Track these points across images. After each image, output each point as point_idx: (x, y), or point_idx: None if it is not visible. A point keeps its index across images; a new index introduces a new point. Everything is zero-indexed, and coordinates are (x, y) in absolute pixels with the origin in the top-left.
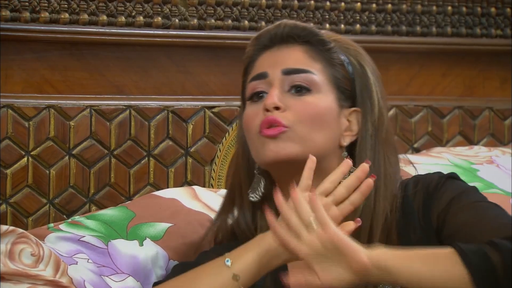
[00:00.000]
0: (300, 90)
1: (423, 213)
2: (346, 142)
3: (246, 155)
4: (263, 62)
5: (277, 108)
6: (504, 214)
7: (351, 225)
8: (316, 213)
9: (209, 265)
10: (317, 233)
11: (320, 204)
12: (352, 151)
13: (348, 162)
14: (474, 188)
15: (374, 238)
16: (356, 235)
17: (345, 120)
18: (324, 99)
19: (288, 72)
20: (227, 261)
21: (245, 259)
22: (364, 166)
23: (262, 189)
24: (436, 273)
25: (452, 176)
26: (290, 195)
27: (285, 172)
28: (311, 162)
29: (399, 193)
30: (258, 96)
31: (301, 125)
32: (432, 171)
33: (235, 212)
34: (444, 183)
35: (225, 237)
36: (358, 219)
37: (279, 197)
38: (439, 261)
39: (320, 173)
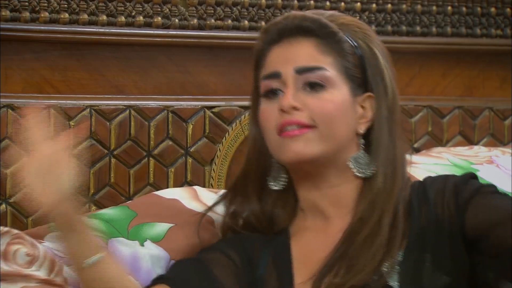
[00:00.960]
0: (315, 86)
1: (443, 206)
2: (362, 129)
3: (258, 147)
4: (274, 59)
5: (294, 108)
6: None
7: None
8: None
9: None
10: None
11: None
12: (368, 136)
13: None
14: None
15: (387, 214)
16: (369, 211)
17: (359, 108)
18: (339, 93)
19: (301, 70)
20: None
21: (77, 249)
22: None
23: (284, 178)
24: None
25: (476, 176)
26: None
27: (304, 171)
28: None
29: (415, 182)
30: (273, 93)
31: (324, 124)
32: (432, 171)
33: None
34: (470, 180)
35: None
36: None
37: None
38: None
39: (337, 165)
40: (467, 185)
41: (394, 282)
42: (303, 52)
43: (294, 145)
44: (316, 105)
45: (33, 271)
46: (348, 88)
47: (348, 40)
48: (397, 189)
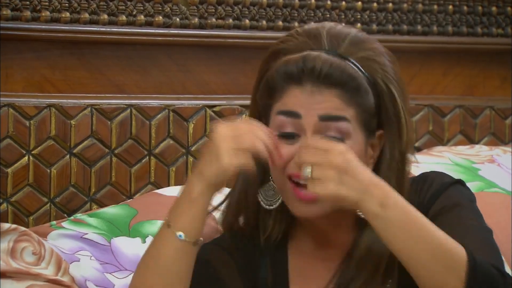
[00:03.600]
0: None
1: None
2: (370, 169)
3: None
4: (294, 99)
5: None
6: (485, 241)
7: None
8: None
9: (166, 247)
10: None
11: None
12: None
13: None
14: (471, 203)
15: (384, 257)
16: (366, 258)
17: (370, 149)
18: (355, 145)
19: (326, 118)
20: (180, 236)
21: (192, 223)
22: None
23: (279, 200)
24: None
25: (457, 182)
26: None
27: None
28: None
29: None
30: (286, 135)
31: None
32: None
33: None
34: (445, 190)
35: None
36: None
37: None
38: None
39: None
40: (439, 197)
41: None
42: (327, 102)
43: (308, 209)
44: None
45: (41, 269)
46: (364, 138)
47: (369, 84)
48: None
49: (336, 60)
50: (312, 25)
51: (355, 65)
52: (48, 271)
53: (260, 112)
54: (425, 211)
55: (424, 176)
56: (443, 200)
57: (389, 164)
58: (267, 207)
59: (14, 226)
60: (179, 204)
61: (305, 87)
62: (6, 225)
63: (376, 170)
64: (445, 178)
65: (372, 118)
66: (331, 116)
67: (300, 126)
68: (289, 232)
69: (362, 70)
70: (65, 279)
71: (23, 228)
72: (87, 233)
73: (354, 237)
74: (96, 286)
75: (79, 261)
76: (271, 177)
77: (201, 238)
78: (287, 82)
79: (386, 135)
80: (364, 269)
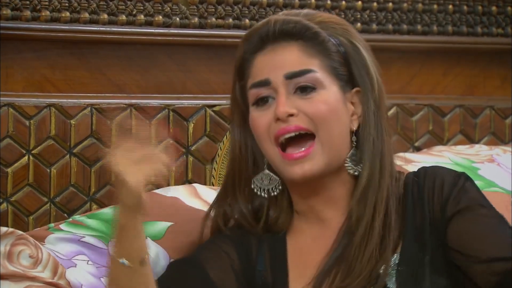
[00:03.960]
0: (305, 89)
1: (433, 207)
2: (355, 126)
3: (245, 153)
4: (260, 66)
5: (290, 114)
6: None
7: None
8: None
9: (119, 275)
10: None
11: None
12: (357, 131)
13: None
14: (484, 198)
15: (378, 210)
16: (361, 207)
17: (350, 105)
18: (330, 93)
19: (290, 76)
20: (123, 262)
21: (129, 247)
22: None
23: (275, 187)
24: None
25: (468, 178)
26: None
27: (308, 187)
28: None
29: (409, 176)
30: (263, 100)
31: (322, 129)
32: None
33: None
34: (463, 185)
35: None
36: None
37: None
38: None
39: (334, 167)
40: (459, 192)
41: (392, 285)
42: (289, 57)
43: (301, 167)
44: (310, 108)
45: (38, 272)
46: (338, 87)
47: (331, 38)
48: (385, 184)
49: (288, 17)
50: None
51: (316, 27)
52: (45, 274)
53: (239, 103)
54: (436, 200)
55: (423, 171)
56: (466, 199)
57: (367, 116)
58: (267, 194)
59: (11, 229)
60: (114, 234)
61: (267, 50)
62: (3, 229)
63: (359, 126)
64: (452, 171)
65: (340, 66)
66: (295, 73)
67: (272, 90)
68: (288, 226)
69: (322, 29)
70: (62, 283)
71: (20, 232)
72: (84, 236)
73: (346, 216)
74: None
75: (75, 266)
76: (265, 165)
77: (147, 256)
78: (252, 54)
79: (360, 90)
80: (362, 220)
